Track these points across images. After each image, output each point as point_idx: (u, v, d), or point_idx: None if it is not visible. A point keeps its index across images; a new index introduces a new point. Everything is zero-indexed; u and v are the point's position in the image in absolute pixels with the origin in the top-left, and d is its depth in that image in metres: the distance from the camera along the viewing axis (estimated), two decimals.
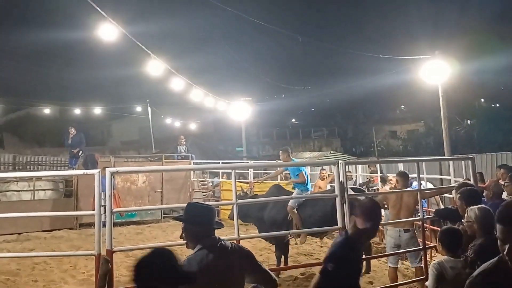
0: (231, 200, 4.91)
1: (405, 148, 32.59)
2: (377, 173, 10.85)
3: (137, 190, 12.28)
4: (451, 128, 14.90)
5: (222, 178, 13.29)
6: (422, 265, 5.40)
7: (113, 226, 4.23)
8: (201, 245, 2.59)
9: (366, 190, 9.19)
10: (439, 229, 4.12)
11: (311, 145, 35.23)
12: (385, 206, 5.86)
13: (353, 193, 5.58)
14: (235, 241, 3.57)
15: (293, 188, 7.49)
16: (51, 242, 9.68)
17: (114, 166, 9.87)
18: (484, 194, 5.72)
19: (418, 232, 6.06)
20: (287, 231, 6.47)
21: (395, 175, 6.79)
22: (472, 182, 5.36)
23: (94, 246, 4.12)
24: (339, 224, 4.78)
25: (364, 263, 6.23)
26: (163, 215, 12.47)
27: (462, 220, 3.66)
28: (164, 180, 12.55)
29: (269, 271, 2.81)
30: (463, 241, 3.36)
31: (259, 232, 7.01)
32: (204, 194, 13.46)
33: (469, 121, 28.90)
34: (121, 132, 33.99)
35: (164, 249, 2.23)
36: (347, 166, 5.76)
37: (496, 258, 1.95)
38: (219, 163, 14.50)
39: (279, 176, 10.46)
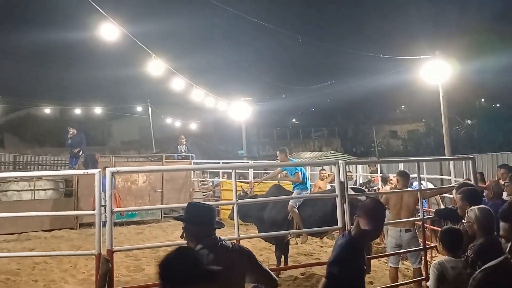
0: (231, 200, 4.92)
1: (406, 148, 32.55)
2: (377, 173, 10.85)
3: (137, 190, 12.27)
4: (451, 128, 14.87)
5: (222, 178, 13.28)
6: (422, 266, 5.41)
7: (114, 226, 4.24)
8: (202, 245, 2.58)
9: (366, 190, 9.18)
10: (440, 229, 4.12)
11: (311, 145, 35.22)
12: (386, 206, 5.86)
13: (353, 193, 5.58)
14: (235, 241, 3.57)
15: (293, 189, 7.49)
16: (52, 241, 9.67)
17: (114, 166, 9.87)
18: (484, 194, 5.71)
19: (418, 232, 6.06)
20: (287, 231, 6.46)
21: (395, 175, 6.79)
22: (472, 182, 5.36)
23: (94, 246, 4.13)
24: (339, 224, 4.79)
25: None
26: (163, 215, 12.47)
27: (463, 220, 3.66)
28: (165, 180, 12.54)
29: (270, 271, 2.81)
30: (463, 241, 3.36)
31: (259, 232, 7.01)
32: (205, 194, 13.45)
33: (469, 121, 28.86)
34: (121, 132, 34.01)
35: (188, 248, 2.21)
36: (347, 166, 5.76)
37: (501, 258, 1.96)
38: (219, 163, 14.48)
39: (279, 175, 10.45)
